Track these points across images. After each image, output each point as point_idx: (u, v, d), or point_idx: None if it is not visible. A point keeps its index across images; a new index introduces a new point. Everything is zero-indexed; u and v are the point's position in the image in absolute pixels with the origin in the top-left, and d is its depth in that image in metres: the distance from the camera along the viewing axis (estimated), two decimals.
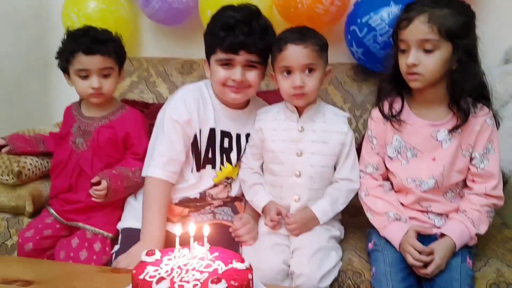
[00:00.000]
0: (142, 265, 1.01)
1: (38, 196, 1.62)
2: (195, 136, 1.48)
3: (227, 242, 1.36)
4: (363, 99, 2.00)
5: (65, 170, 1.58)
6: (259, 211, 1.48)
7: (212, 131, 1.49)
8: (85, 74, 1.52)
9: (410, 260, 1.28)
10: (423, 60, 1.28)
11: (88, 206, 1.51)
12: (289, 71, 1.39)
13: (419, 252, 1.27)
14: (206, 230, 1.05)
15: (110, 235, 1.50)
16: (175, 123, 1.45)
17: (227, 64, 1.42)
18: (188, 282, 0.94)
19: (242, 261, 1.02)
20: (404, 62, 1.30)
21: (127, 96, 2.15)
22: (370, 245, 1.41)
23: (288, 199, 1.45)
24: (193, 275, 0.96)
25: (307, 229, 1.41)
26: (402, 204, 1.40)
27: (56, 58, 1.58)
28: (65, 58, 1.54)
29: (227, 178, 1.55)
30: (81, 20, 2.07)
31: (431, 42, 1.26)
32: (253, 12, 1.46)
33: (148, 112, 1.86)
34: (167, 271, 0.98)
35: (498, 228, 1.56)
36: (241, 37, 1.38)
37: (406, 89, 1.39)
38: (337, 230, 1.47)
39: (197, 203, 1.52)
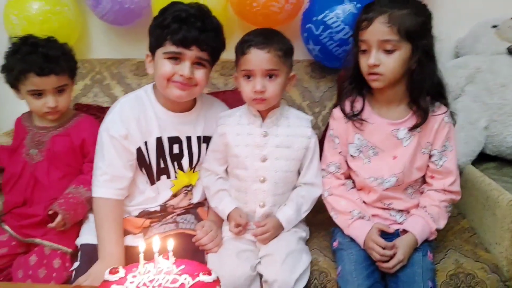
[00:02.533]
0: (106, 284, 0.98)
1: None
2: (139, 149, 1.43)
3: (191, 251, 1.34)
4: (321, 96, 2.01)
5: (18, 184, 1.51)
6: (224, 218, 1.46)
7: (159, 140, 1.44)
8: (38, 93, 1.47)
9: (375, 256, 1.30)
10: (383, 60, 1.29)
11: (45, 220, 1.45)
12: (251, 75, 1.37)
13: (383, 248, 1.29)
14: (171, 244, 1.03)
15: (70, 250, 1.44)
16: (113, 139, 1.40)
17: (176, 58, 1.36)
18: None
19: (209, 273, 1.01)
20: (365, 62, 1.32)
21: (80, 100, 2.07)
22: (335, 244, 1.43)
23: (253, 204, 1.44)
24: None
25: (274, 237, 1.41)
26: (364, 202, 1.43)
27: (2, 72, 1.50)
28: (14, 76, 1.47)
29: (186, 186, 1.52)
30: (22, 23, 1.97)
31: (391, 43, 1.28)
32: (206, 10, 1.43)
33: (104, 117, 1.80)
34: None
35: (455, 218, 1.61)
36: (195, 32, 1.34)
37: (366, 88, 1.41)
38: (303, 231, 1.48)
39: (157, 214, 1.49)
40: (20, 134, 1.57)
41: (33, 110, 1.52)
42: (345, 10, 1.78)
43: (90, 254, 1.36)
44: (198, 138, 1.50)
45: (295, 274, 1.32)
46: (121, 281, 0.99)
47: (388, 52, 1.29)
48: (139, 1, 2.01)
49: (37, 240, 1.45)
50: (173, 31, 1.34)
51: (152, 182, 1.47)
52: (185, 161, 1.49)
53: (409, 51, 1.29)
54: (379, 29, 1.27)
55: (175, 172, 1.48)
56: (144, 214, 1.47)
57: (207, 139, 1.51)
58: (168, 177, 1.48)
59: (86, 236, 1.44)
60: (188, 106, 1.49)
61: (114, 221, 1.39)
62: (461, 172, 1.59)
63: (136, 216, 1.47)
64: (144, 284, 0.97)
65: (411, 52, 1.29)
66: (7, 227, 1.48)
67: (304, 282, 1.33)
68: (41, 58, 1.43)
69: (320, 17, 1.82)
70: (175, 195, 1.50)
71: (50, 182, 1.49)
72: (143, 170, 1.45)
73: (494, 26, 1.89)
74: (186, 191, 1.52)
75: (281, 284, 1.29)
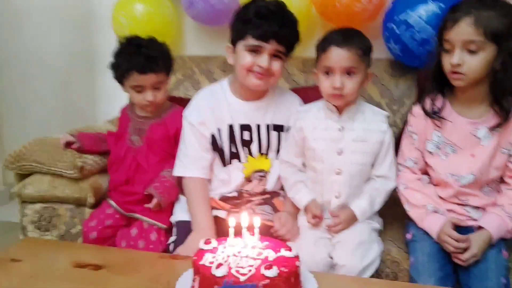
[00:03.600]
0: (201, 252, 1.12)
1: (98, 189, 1.76)
2: (213, 135, 1.59)
3: None
4: (401, 94, 2.04)
5: (122, 165, 1.71)
6: (301, 208, 1.56)
7: (230, 128, 1.59)
8: (139, 89, 1.65)
9: (449, 248, 1.34)
10: (467, 60, 1.31)
11: (144, 199, 1.63)
12: (330, 72, 1.45)
13: (456, 241, 1.33)
14: (257, 221, 1.16)
15: (164, 226, 1.62)
16: (191, 125, 1.59)
17: (255, 51, 1.48)
18: (243, 267, 1.05)
19: (290, 249, 1.12)
20: (448, 61, 1.34)
21: (173, 94, 2.26)
22: (409, 236, 1.49)
23: (328, 195, 1.52)
24: (247, 261, 1.07)
25: (347, 227, 1.49)
26: (440, 197, 1.46)
27: (110, 68, 1.69)
28: (120, 73, 1.66)
29: (259, 171, 1.63)
30: (129, 23, 2.20)
31: (476, 44, 1.29)
32: (284, 6, 1.54)
33: None
34: (223, 258, 1.09)
35: None
36: (275, 26, 1.45)
37: (448, 87, 1.43)
38: (377, 223, 1.55)
39: (235, 201, 1.61)
40: (124, 122, 1.77)
41: (135, 102, 1.71)
42: (428, 10, 1.81)
43: (185, 229, 1.53)
44: (267, 126, 1.61)
45: (364, 261, 1.39)
46: (214, 250, 1.13)
47: (472, 52, 1.30)
48: (229, 3, 2.16)
49: (137, 215, 1.64)
50: (254, 26, 1.47)
51: (224, 164, 1.61)
52: (254, 147, 1.61)
53: (494, 52, 1.30)
54: (464, 30, 1.29)
55: (246, 156, 1.61)
56: (224, 199, 1.61)
57: (277, 128, 1.62)
58: (239, 161, 1.61)
59: (179, 214, 1.62)
60: (260, 95, 1.61)
61: (202, 196, 1.57)
62: None
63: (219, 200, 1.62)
64: (234, 255, 1.10)
65: (496, 53, 1.30)
66: (112, 202, 1.69)
67: (372, 270, 1.41)
68: (143, 58, 1.60)
69: (402, 16, 1.86)
70: (248, 180, 1.62)
71: (149, 165, 1.68)
72: (217, 154, 1.61)
73: None
74: (260, 177, 1.64)
75: (349, 268, 1.37)
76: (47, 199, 1.74)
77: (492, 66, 1.32)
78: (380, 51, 2.09)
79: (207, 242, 1.15)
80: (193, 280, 1.08)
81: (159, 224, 1.61)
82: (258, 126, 1.61)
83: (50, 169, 1.72)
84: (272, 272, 1.02)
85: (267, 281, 1.01)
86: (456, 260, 1.35)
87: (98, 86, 2.64)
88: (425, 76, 1.50)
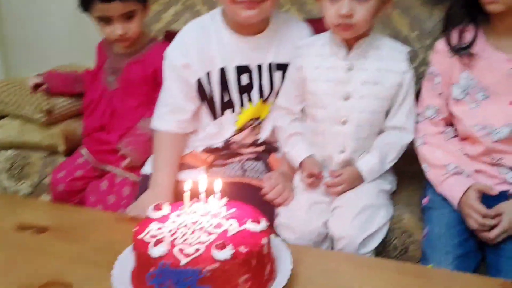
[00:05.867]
0: (146, 222, 0.90)
1: (72, 135, 1.58)
2: (200, 81, 1.31)
3: (260, 204, 1.13)
4: (434, 26, 1.68)
5: (97, 110, 1.51)
6: (296, 165, 1.30)
7: (222, 71, 1.31)
8: (106, 20, 1.41)
9: (472, 224, 1.07)
10: None
11: (118, 149, 1.43)
12: None
13: (483, 216, 1.06)
14: (218, 184, 0.92)
15: (139, 178, 1.41)
16: (172, 68, 1.32)
17: None
18: (190, 244, 0.82)
19: (258, 221, 0.88)
20: None
21: (171, 28, 2.00)
22: (425, 201, 1.22)
23: (331, 149, 1.26)
24: (198, 237, 0.84)
25: (349, 188, 1.23)
26: (467, 155, 1.18)
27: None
28: (83, 2, 1.42)
29: (254, 119, 1.37)
30: None
31: None
32: None
33: None
34: (170, 231, 0.86)
35: None
36: None
37: (482, 15, 1.12)
38: (389, 184, 1.28)
39: (220, 153, 1.38)
40: (101, 58, 1.55)
41: (105, 37, 1.47)
42: None
43: (147, 184, 1.32)
44: (270, 65, 1.33)
45: (366, 232, 1.14)
46: (163, 219, 0.90)
47: None
48: None
49: (109, 167, 1.45)
50: None
51: (215, 117, 1.36)
52: (255, 93, 1.34)
53: None
54: None
55: (242, 105, 1.34)
56: (208, 150, 1.38)
57: (281, 67, 1.33)
58: (233, 111, 1.35)
59: (149, 166, 1.39)
60: (261, 27, 1.31)
61: (171, 152, 1.32)
62: None
63: (200, 152, 1.39)
64: (186, 226, 0.88)
65: None
66: (84, 151, 1.50)
67: (376, 242, 1.16)
68: None
69: None
70: (240, 130, 1.37)
71: (125, 110, 1.47)
72: (205, 103, 1.34)
73: None
74: (253, 126, 1.38)
75: (348, 242, 1.12)
76: (18, 145, 1.60)
77: None
78: None
79: (157, 208, 0.93)
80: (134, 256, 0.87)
81: (133, 175, 1.41)
82: (259, 68, 1.33)
83: (18, 112, 1.54)
84: (225, 254, 0.79)
85: (215, 265, 0.78)
86: (482, 238, 1.09)
87: None
88: (455, 2, 1.17)
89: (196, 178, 0.96)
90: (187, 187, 0.92)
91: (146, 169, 1.38)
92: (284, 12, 1.65)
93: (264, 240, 0.85)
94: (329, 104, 1.24)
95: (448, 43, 1.16)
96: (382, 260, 1.13)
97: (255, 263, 0.82)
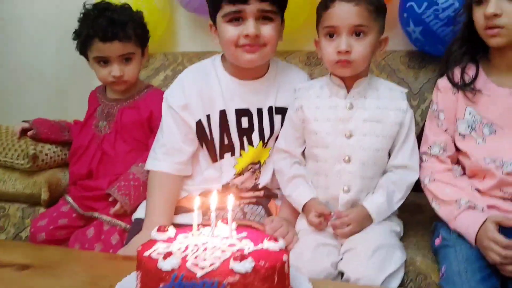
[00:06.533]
0: (150, 243, 0.81)
1: (56, 185, 1.50)
2: (200, 123, 1.29)
3: None
4: (421, 87, 1.76)
5: (85, 155, 1.45)
6: (299, 208, 1.25)
7: (223, 113, 1.30)
8: (104, 61, 1.40)
9: (494, 258, 1.01)
10: (506, 9, 1.06)
11: (108, 195, 1.35)
12: (334, 33, 1.18)
13: (504, 247, 1.00)
14: (231, 201, 0.85)
15: (128, 226, 1.33)
16: (171, 109, 1.30)
17: (237, 19, 1.21)
18: (205, 259, 0.73)
19: (276, 240, 0.81)
20: (482, 13, 1.09)
21: None
22: (437, 241, 1.15)
23: (335, 189, 1.22)
24: (212, 253, 0.76)
25: (358, 231, 1.17)
26: (478, 190, 1.15)
27: (73, 39, 1.45)
28: (82, 43, 1.42)
29: (254, 163, 1.33)
30: None
31: None
32: None
33: None
34: (179, 249, 0.77)
35: None
36: None
37: (481, 52, 1.17)
38: (397, 225, 1.23)
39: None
40: (92, 105, 1.52)
41: (100, 79, 1.45)
42: None
43: (140, 229, 1.23)
44: (270, 109, 1.32)
45: (385, 272, 1.06)
46: (169, 240, 0.82)
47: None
48: None
49: (96, 214, 1.36)
50: None
51: (214, 160, 1.31)
52: (255, 136, 1.31)
53: None
54: None
55: (242, 148, 1.31)
56: (206, 195, 1.29)
57: (280, 110, 1.32)
58: (233, 154, 1.31)
59: (142, 210, 1.31)
60: (260, 73, 1.32)
61: (167, 194, 1.27)
62: None
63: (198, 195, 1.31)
64: (196, 245, 0.79)
65: None
66: (69, 198, 1.42)
67: (397, 282, 1.08)
68: (105, 22, 1.36)
69: None
70: (239, 173, 1.32)
71: (116, 154, 1.41)
72: (204, 146, 1.31)
73: None
74: (253, 169, 1.33)
75: (367, 282, 1.04)
76: None
77: None
78: (396, 42, 1.84)
79: (161, 229, 0.84)
80: (136, 278, 0.77)
81: (122, 223, 1.32)
82: (259, 111, 1.32)
83: (1, 158, 1.45)
84: (245, 266, 0.70)
85: (236, 277, 0.69)
86: (505, 273, 1.02)
87: None
88: (452, 41, 1.22)
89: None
90: (196, 205, 0.85)
91: (139, 213, 1.30)
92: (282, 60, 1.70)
93: (285, 257, 0.77)
94: (331, 143, 1.22)
95: (451, 80, 1.18)
96: None
97: (276, 278, 0.74)
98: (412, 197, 1.32)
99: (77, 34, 1.42)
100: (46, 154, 1.49)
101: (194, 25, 2.22)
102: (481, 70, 1.17)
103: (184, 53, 2.13)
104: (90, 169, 1.42)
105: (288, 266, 0.79)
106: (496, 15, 1.06)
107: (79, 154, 1.45)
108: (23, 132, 1.49)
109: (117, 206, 1.32)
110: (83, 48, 1.40)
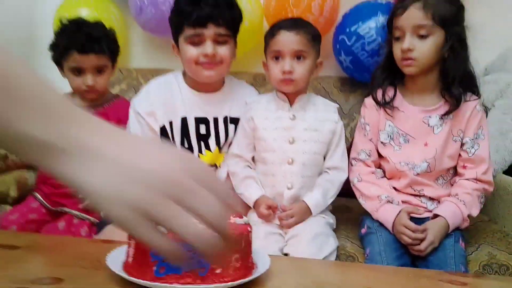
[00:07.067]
0: None
1: (23, 184, 1.58)
2: (163, 128, 1.47)
3: None
4: (350, 108, 2.04)
5: None
6: (251, 204, 1.45)
7: (184, 121, 1.48)
8: (79, 71, 1.53)
9: (406, 240, 1.27)
10: (417, 45, 1.32)
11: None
12: (279, 56, 1.41)
13: (413, 231, 1.27)
14: None
15: (97, 221, 1.45)
16: (137, 115, 1.45)
17: (197, 41, 1.40)
18: None
19: (241, 217, 1.00)
20: (399, 48, 1.35)
21: None
22: (363, 230, 1.41)
23: (280, 187, 1.44)
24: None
25: (300, 222, 1.40)
26: (394, 188, 1.42)
27: (49, 49, 1.57)
28: (59, 53, 1.54)
29: (211, 166, 1.52)
30: None
31: (425, 28, 1.31)
32: None
33: None
34: None
35: (487, 223, 1.57)
36: (207, 9, 1.36)
37: (398, 78, 1.44)
38: (331, 218, 1.47)
39: None
40: None
41: (73, 87, 1.57)
42: (378, 22, 1.85)
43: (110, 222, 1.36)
44: (225, 118, 1.52)
45: (322, 254, 1.29)
46: None
47: (422, 37, 1.32)
48: None
49: (66, 209, 1.47)
50: (187, 14, 1.38)
51: None
52: (212, 141, 1.50)
53: (442, 37, 1.32)
54: (414, 14, 1.32)
55: (199, 151, 1.50)
56: None
57: (234, 120, 1.53)
58: None
59: None
60: (216, 87, 1.53)
61: None
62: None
63: None
64: None
65: (445, 39, 1.32)
66: (38, 195, 1.51)
67: None
68: (84, 37, 1.50)
69: (353, 28, 1.89)
70: None
71: None
72: None
73: None
74: None
75: None
76: None
77: (441, 52, 1.34)
78: (330, 69, 2.12)
79: None
80: (128, 246, 0.93)
81: (90, 218, 1.44)
82: (215, 120, 1.51)
83: None
84: None
85: None
86: (413, 252, 1.28)
87: None
88: (377, 68, 1.50)
89: None
90: None
91: None
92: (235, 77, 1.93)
93: (249, 228, 0.97)
94: (277, 148, 1.44)
95: (375, 99, 1.45)
96: (335, 261, 1.30)
97: (244, 245, 0.93)
98: (343, 202, 1.59)
99: (54, 46, 1.54)
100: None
101: (148, 44, 2.38)
102: (398, 92, 1.44)
103: (138, 69, 2.28)
104: None
105: (251, 237, 0.98)
106: (409, 50, 1.33)
107: None
108: None
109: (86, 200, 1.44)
110: (60, 58, 1.52)
